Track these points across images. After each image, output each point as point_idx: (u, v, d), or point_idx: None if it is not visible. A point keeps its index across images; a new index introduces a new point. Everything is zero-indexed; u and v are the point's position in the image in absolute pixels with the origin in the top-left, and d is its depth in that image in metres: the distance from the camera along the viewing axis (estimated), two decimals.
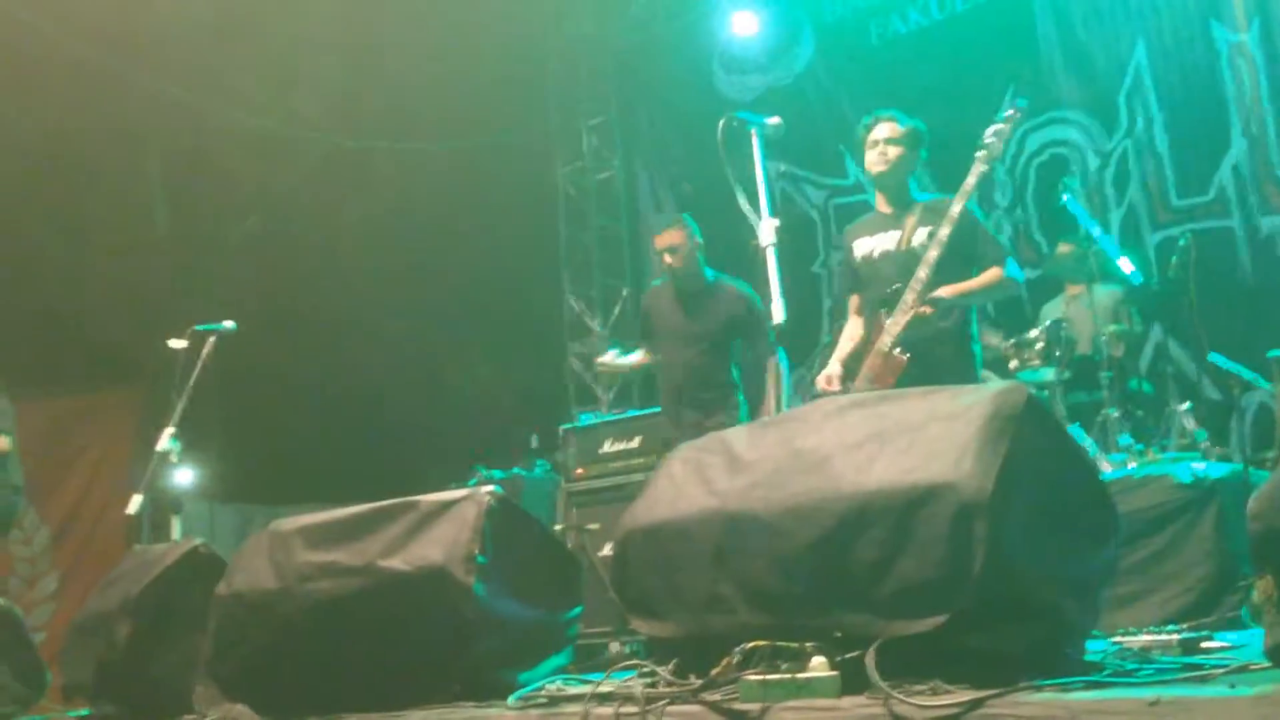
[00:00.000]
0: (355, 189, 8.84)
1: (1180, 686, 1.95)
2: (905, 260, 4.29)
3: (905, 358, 4.10)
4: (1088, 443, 5.29)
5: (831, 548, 2.29)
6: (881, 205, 4.55)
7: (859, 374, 4.27)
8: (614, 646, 5.23)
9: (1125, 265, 5.93)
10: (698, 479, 2.62)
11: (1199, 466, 4.11)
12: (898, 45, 7.92)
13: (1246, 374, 5.38)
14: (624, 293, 9.57)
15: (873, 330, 4.30)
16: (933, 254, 4.14)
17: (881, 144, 4.46)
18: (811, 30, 8.32)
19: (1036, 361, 5.79)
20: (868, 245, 4.49)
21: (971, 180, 4.19)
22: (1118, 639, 2.82)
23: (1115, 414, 5.53)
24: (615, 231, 9.71)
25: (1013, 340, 5.93)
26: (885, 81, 7.86)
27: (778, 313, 3.80)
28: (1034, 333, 5.83)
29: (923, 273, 4.13)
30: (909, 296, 4.15)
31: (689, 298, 5.48)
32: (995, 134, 4.25)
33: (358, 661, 2.99)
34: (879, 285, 4.35)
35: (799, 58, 8.34)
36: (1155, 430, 5.83)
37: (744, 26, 8.41)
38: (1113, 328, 5.86)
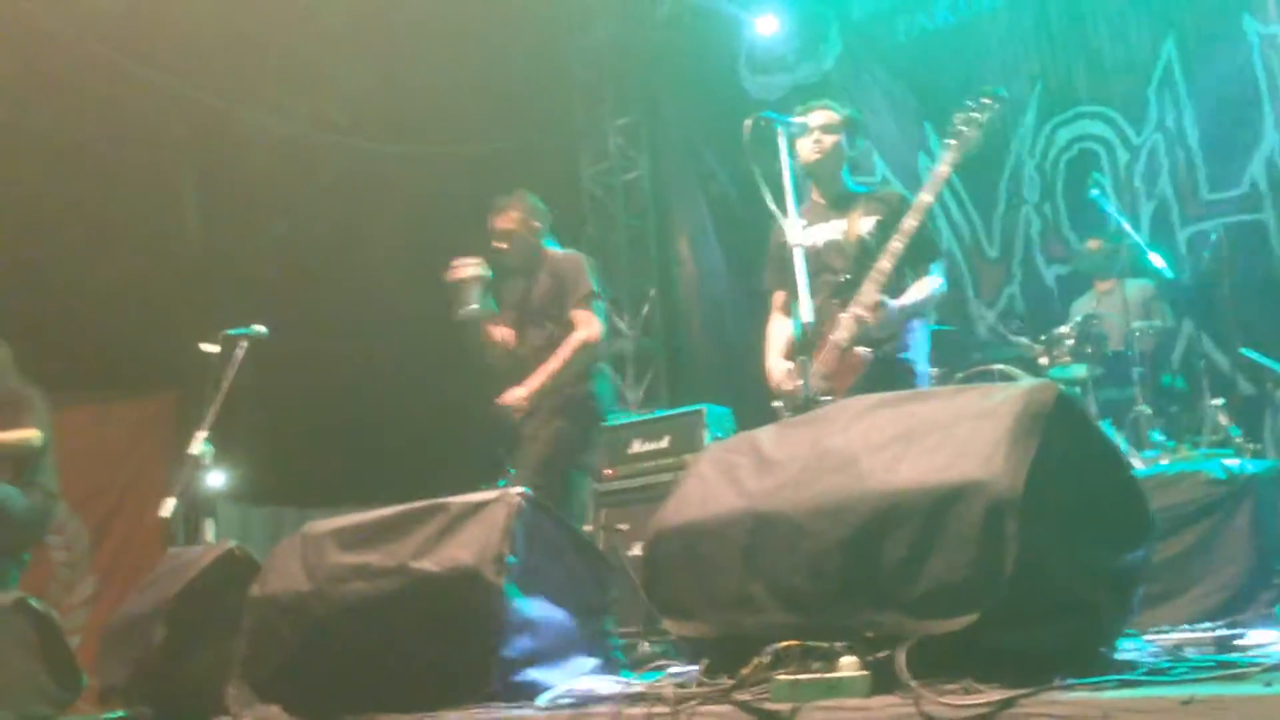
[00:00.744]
0: (382, 193, 8.88)
1: (1214, 685, 1.93)
2: (855, 251, 4.16)
3: (868, 354, 3.97)
4: (1119, 440, 5.26)
5: (861, 547, 2.28)
6: (815, 195, 4.41)
7: (809, 370, 4.08)
8: (644, 646, 5.22)
9: (1156, 260, 5.89)
10: (727, 479, 2.63)
11: (1232, 463, 4.07)
12: (925, 42, 7.89)
13: None
14: (651, 293, 9.58)
15: (824, 322, 4.10)
16: (897, 244, 4.00)
17: (816, 132, 4.33)
18: (838, 28, 8.31)
19: (1067, 358, 5.76)
20: (808, 236, 4.27)
21: (944, 169, 4.07)
22: (1151, 637, 2.80)
23: (1147, 410, 5.50)
24: (642, 232, 9.72)
25: (1044, 336, 5.91)
26: (913, 79, 7.85)
27: (805, 312, 3.79)
28: (1065, 329, 5.81)
29: (885, 264, 4.00)
30: (869, 289, 4.00)
31: (527, 277, 5.26)
32: (967, 122, 4.11)
33: (390, 662, 3.00)
34: (826, 276, 4.19)
35: (825, 56, 8.32)
36: (1188, 426, 5.79)
37: (766, 27, 8.41)
38: (1144, 323, 5.83)
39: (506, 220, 5.26)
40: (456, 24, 8.17)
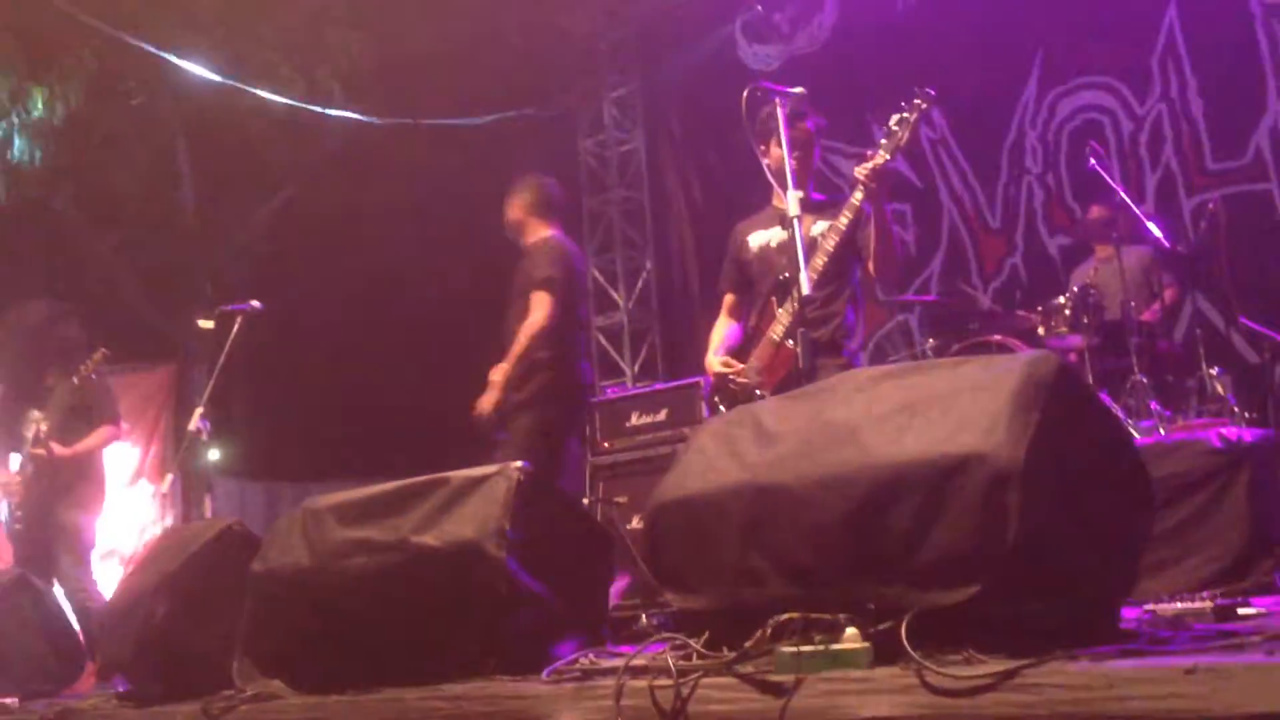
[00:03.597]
0: (380, 165, 8.85)
1: (1217, 654, 1.94)
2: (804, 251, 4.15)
3: (797, 348, 3.93)
4: (1116, 409, 5.27)
5: (863, 519, 2.28)
6: (778, 200, 4.37)
7: (747, 364, 4.23)
8: (644, 619, 5.24)
9: (1154, 229, 5.88)
10: (728, 452, 2.62)
11: (1230, 432, 4.07)
12: (924, 11, 7.83)
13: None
14: (647, 265, 9.57)
15: (763, 318, 4.23)
16: (830, 242, 4.06)
17: (812, 135, 4.36)
18: None
19: (1064, 328, 5.77)
20: (764, 237, 4.41)
21: (872, 169, 4.03)
22: (1151, 606, 2.81)
23: (1145, 379, 5.50)
24: (638, 203, 9.69)
25: (1040, 307, 5.91)
26: (911, 49, 7.79)
27: (805, 284, 3.78)
28: (1061, 299, 5.81)
29: (819, 260, 4.05)
30: (805, 282, 3.92)
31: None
32: (899, 123, 4.09)
33: (393, 637, 3.01)
34: (772, 275, 4.24)
35: (823, 26, 8.27)
36: (1186, 396, 5.79)
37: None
38: (1141, 292, 5.83)
39: (508, 207, 5.37)
40: None
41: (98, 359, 5.39)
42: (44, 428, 5.39)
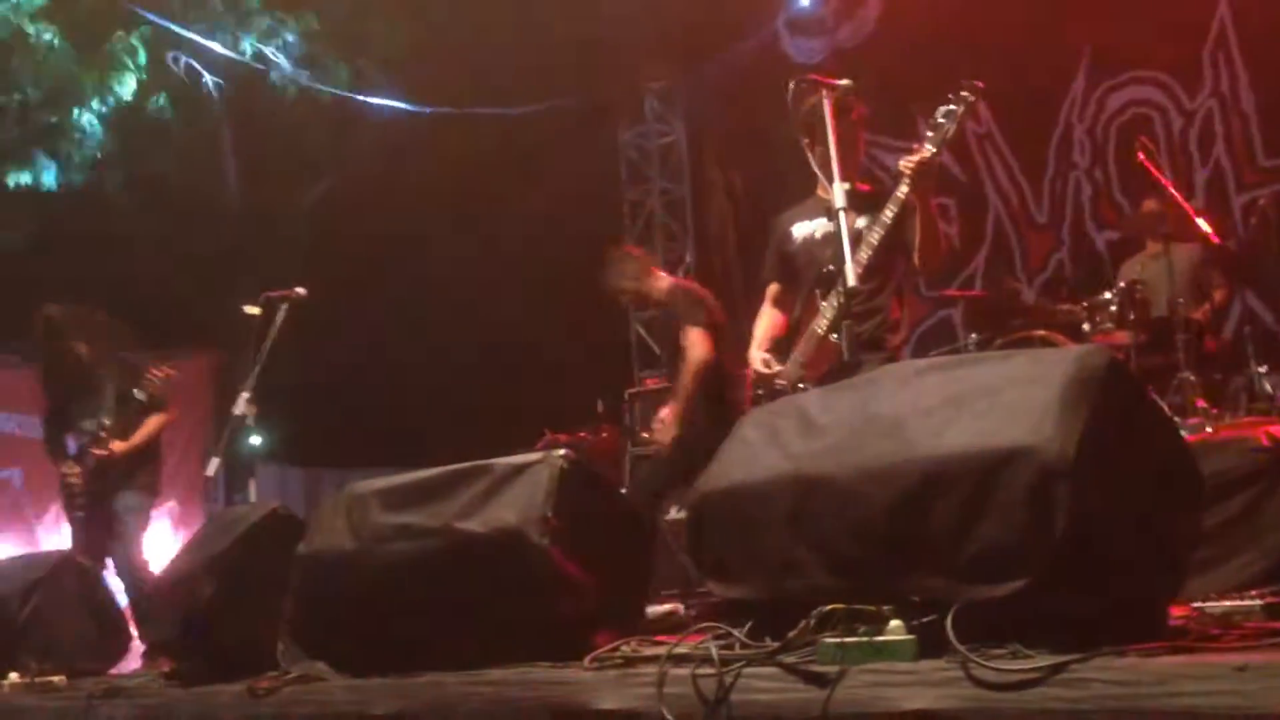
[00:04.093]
0: (422, 154, 8.89)
1: (1268, 652, 1.92)
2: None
3: (841, 342, 3.90)
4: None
5: (908, 512, 2.27)
6: (821, 190, 4.27)
7: (789, 358, 4.19)
8: (680, 609, 5.25)
9: (1203, 226, 5.82)
10: (772, 442, 2.62)
11: (1278, 430, 4.01)
12: (970, 2, 7.76)
13: None
14: (687, 257, 9.56)
15: (807, 311, 4.16)
16: (874, 235, 3.99)
17: (857, 126, 4.28)
18: None
19: (1110, 325, 5.71)
20: (808, 227, 4.33)
21: (918, 164, 3.96)
22: (1199, 604, 2.78)
23: (1191, 377, 5.44)
24: (678, 195, 9.68)
25: (1086, 303, 5.86)
26: (957, 41, 7.71)
27: (850, 276, 3.76)
28: (1108, 295, 5.75)
29: (863, 254, 3.97)
30: (849, 276, 3.86)
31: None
32: (946, 115, 4.02)
33: (435, 621, 3.03)
34: (816, 267, 4.17)
35: (867, 19, 8.21)
36: (1235, 394, 5.72)
37: None
38: (1190, 289, 5.77)
39: (620, 294, 5.66)
40: None
41: (164, 375, 5.51)
42: (106, 421, 5.50)
